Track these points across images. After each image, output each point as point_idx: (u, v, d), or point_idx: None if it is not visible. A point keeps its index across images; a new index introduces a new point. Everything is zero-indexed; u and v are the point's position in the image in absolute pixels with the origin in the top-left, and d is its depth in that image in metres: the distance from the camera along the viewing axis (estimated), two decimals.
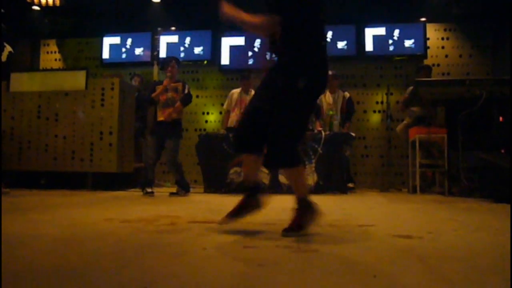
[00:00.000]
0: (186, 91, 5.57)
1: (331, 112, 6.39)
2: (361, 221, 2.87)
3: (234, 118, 6.67)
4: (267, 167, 2.46)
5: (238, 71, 7.67)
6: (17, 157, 6.31)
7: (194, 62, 8.38)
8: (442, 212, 3.65)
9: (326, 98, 6.72)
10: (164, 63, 5.80)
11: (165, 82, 5.53)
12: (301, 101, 2.34)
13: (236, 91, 6.84)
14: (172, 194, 5.48)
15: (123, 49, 8.64)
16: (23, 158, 6.31)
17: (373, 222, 2.79)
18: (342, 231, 2.44)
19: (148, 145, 5.63)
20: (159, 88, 5.51)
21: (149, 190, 5.37)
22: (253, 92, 6.37)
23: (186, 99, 5.58)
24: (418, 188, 5.85)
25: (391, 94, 7.32)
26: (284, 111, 2.32)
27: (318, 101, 6.72)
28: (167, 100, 5.51)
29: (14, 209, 3.59)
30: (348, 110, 6.75)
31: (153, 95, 5.52)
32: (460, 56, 7.78)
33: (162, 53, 8.34)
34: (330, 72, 6.68)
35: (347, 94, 6.79)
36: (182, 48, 8.37)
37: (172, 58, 5.74)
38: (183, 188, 5.48)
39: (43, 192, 5.56)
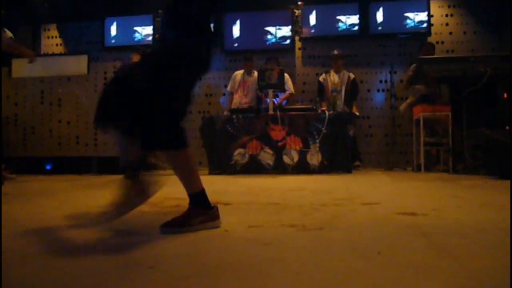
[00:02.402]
0: None
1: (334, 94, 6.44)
2: (366, 199, 2.87)
3: (237, 99, 6.66)
4: (144, 148, 2.00)
5: (241, 53, 7.63)
6: (22, 143, 6.35)
7: None
8: (447, 189, 3.65)
9: (331, 78, 6.71)
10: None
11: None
12: (177, 60, 1.94)
13: (239, 73, 6.81)
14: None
15: (125, 32, 8.59)
16: (27, 144, 6.35)
17: (378, 200, 2.79)
18: (346, 209, 2.45)
19: None
20: None
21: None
22: (256, 73, 6.37)
23: None
24: (422, 167, 5.84)
25: (395, 72, 7.27)
26: (158, 76, 1.90)
27: (322, 81, 6.73)
28: None
29: (20, 194, 3.62)
30: (352, 90, 6.74)
31: None
32: (465, 33, 7.68)
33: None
34: (335, 52, 6.74)
35: (352, 75, 6.78)
36: None
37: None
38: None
39: (49, 177, 5.59)
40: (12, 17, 7.06)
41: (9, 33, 6.20)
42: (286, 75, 6.63)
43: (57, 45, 9.03)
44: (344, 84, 6.68)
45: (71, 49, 8.82)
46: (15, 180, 4.91)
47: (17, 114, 6.34)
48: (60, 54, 8.36)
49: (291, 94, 6.78)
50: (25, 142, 6.32)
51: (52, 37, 9.07)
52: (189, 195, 1.98)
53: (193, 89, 2.11)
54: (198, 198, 1.96)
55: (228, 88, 6.92)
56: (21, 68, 6.45)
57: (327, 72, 6.85)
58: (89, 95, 6.25)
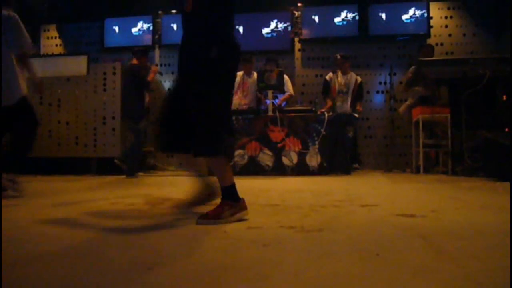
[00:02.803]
0: None
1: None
2: (365, 201, 2.87)
3: (237, 101, 6.65)
4: (194, 155, 2.31)
5: (240, 54, 7.63)
6: None
7: None
8: (446, 191, 3.65)
9: (339, 79, 6.69)
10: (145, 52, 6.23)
11: (154, 69, 6.03)
12: (217, 74, 2.24)
13: (239, 74, 6.80)
14: None
15: (124, 33, 8.59)
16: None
17: (377, 202, 2.80)
18: (345, 211, 2.45)
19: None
20: (153, 73, 5.94)
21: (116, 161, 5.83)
22: (255, 74, 6.37)
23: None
24: (421, 168, 5.84)
25: (394, 74, 7.28)
26: (201, 95, 2.22)
27: (328, 79, 6.71)
28: None
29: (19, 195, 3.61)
30: (357, 94, 6.72)
31: (149, 78, 5.88)
32: (464, 35, 7.69)
33: (164, 36, 8.30)
34: (339, 55, 6.73)
35: (359, 79, 6.74)
36: None
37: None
38: None
39: (48, 178, 5.59)
40: None
41: None
42: (285, 76, 6.63)
43: (56, 45, 9.04)
44: (351, 87, 6.64)
45: (71, 49, 8.82)
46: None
47: None
48: (60, 55, 8.36)
49: (290, 96, 6.78)
50: None
51: (52, 37, 9.08)
52: (221, 188, 2.27)
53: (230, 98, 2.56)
54: (228, 191, 2.24)
55: None
56: None
57: (334, 72, 6.81)
58: (88, 95, 6.24)
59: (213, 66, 2.22)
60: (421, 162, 5.87)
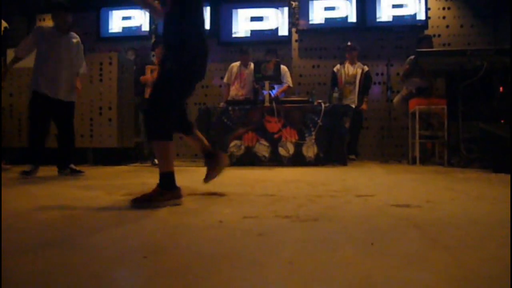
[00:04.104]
0: None
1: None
2: (361, 191, 2.88)
3: (233, 91, 6.65)
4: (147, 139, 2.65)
5: (237, 44, 7.62)
6: (17, 134, 6.31)
7: None
8: (441, 182, 3.66)
9: (346, 70, 6.71)
10: (154, 45, 6.36)
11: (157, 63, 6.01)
12: (169, 81, 2.47)
13: (235, 65, 6.80)
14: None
15: (120, 23, 8.54)
16: (23, 135, 6.30)
17: (372, 193, 2.80)
18: (341, 201, 2.45)
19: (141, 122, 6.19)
20: (149, 70, 6.03)
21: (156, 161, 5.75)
22: (252, 65, 6.36)
23: None
24: (417, 159, 5.85)
25: (392, 65, 7.26)
26: (155, 90, 2.51)
27: (336, 71, 6.74)
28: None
29: (16, 184, 3.61)
30: (364, 83, 6.74)
31: (142, 78, 6.11)
32: (462, 26, 7.68)
33: (161, 26, 8.25)
34: (349, 43, 6.75)
35: (365, 68, 6.77)
36: None
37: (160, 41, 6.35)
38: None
39: (43, 168, 5.57)
40: (7, 7, 6.99)
41: (4, 23, 6.16)
42: (284, 67, 6.62)
43: None
44: (358, 76, 6.67)
45: None
46: (10, 170, 4.89)
47: (12, 104, 6.30)
48: None
49: (288, 87, 6.77)
50: (20, 133, 6.29)
51: None
52: (159, 174, 2.36)
53: (187, 93, 2.73)
54: (165, 177, 2.34)
55: (225, 79, 6.90)
56: None
57: (341, 63, 6.83)
58: (84, 86, 6.20)
59: (167, 75, 2.49)
60: (417, 153, 5.88)
